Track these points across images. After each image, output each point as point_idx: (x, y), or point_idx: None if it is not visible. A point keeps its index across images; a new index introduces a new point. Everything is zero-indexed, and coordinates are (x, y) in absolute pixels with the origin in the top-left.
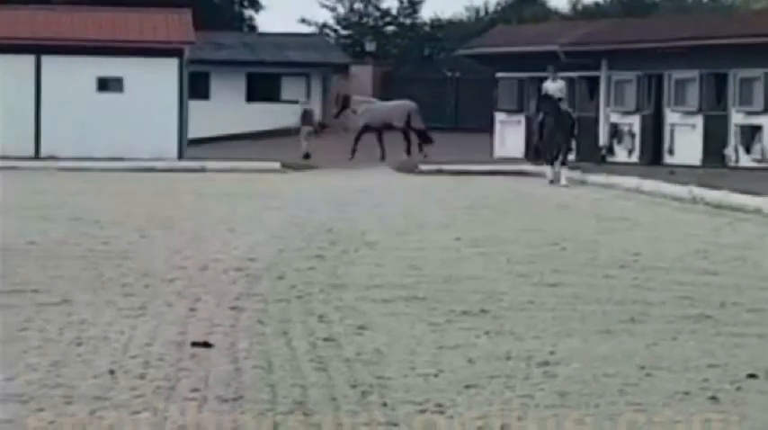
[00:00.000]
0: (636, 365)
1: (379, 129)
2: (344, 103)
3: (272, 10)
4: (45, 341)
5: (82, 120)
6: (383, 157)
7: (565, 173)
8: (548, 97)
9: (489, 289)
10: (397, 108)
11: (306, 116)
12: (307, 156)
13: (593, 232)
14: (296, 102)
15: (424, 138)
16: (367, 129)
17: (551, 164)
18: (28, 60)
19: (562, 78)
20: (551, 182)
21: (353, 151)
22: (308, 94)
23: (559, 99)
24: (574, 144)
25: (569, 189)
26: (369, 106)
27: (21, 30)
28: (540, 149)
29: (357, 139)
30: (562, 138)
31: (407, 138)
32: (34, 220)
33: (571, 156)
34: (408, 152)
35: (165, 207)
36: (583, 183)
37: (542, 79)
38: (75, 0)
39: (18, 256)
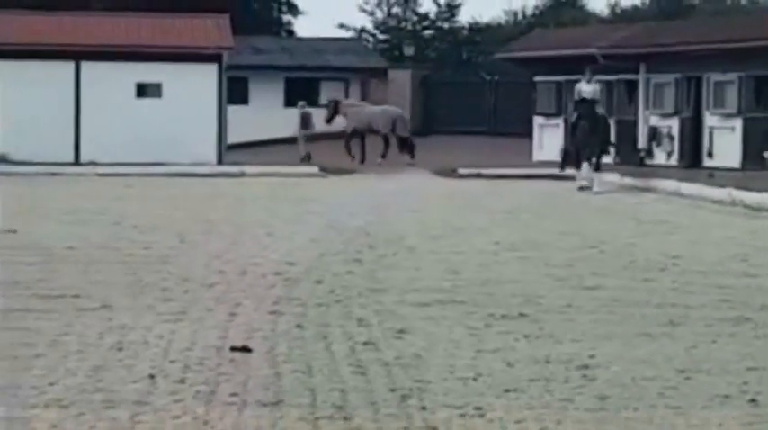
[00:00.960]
0: (675, 368)
1: (365, 134)
2: (335, 108)
3: (311, 15)
4: (85, 346)
5: (121, 126)
6: (363, 161)
7: (598, 179)
8: (584, 100)
9: (528, 292)
10: (384, 114)
11: (304, 120)
12: (307, 157)
13: (631, 235)
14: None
15: (406, 146)
16: (355, 132)
17: (586, 168)
18: (67, 66)
19: (600, 81)
20: (581, 188)
21: (351, 155)
22: (347, 99)
23: (594, 102)
24: (612, 150)
25: (603, 196)
26: (357, 110)
27: (60, 36)
28: (571, 153)
29: (348, 143)
30: (597, 143)
31: (387, 144)
32: (74, 226)
33: (609, 159)
34: (384, 156)
35: (204, 212)
36: (621, 186)
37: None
38: (114, 6)
39: (58, 261)
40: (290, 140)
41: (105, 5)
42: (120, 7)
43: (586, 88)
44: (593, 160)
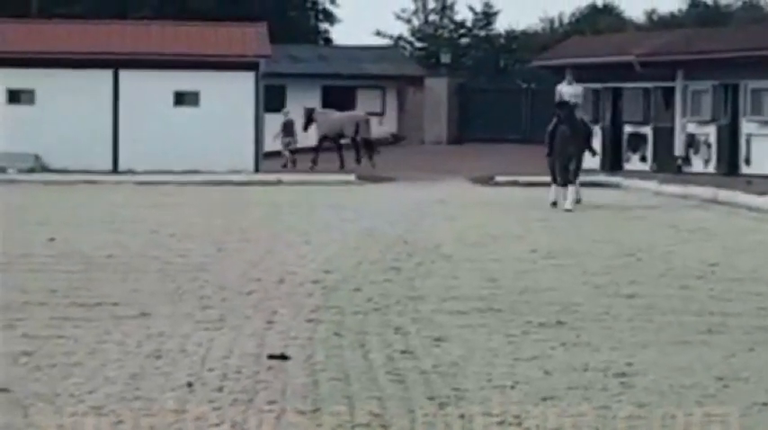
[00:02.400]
0: (713, 376)
1: (335, 139)
2: (309, 116)
3: (348, 23)
4: (124, 354)
5: (159, 134)
6: (342, 166)
7: (570, 195)
8: (564, 103)
9: (565, 300)
10: (349, 118)
11: (287, 127)
12: (292, 164)
13: (669, 243)
14: (374, 114)
15: (369, 148)
16: (326, 139)
17: (560, 181)
18: (106, 75)
19: (636, 89)
20: (554, 204)
21: (313, 162)
22: (384, 106)
23: (575, 105)
24: (595, 157)
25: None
26: (325, 117)
27: (99, 45)
28: (549, 163)
29: (317, 149)
30: (575, 151)
31: (357, 148)
32: (112, 234)
33: (646, 166)
34: (358, 161)
35: (241, 220)
36: (658, 193)
37: (617, 89)
38: (151, 15)
39: (97, 269)
40: (328, 148)
41: (143, 14)
42: (157, 16)
43: (567, 90)
44: (572, 169)
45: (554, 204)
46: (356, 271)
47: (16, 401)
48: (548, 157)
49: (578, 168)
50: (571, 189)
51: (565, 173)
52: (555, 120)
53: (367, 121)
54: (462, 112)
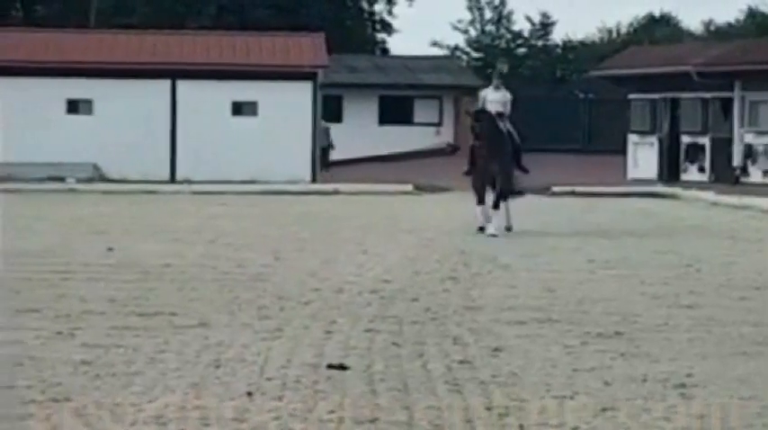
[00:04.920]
0: None
1: None
2: None
3: (404, 33)
4: (183, 363)
5: (216, 144)
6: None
7: (497, 218)
8: (482, 111)
9: (624, 311)
10: None
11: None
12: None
13: (727, 254)
14: (431, 124)
15: (324, 156)
16: None
17: (482, 201)
18: (163, 85)
19: (694, 99)
20: (481, 229)
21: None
22: (441, 117)
23: (499, 114)
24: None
25: (699, 214)
26: None
27: (157, 55)
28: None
29: None
30: (499, 169)
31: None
32: (170, 243)
33: (704, 177)
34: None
35: (298, 229)
36: (715, 204)
37: (675, 100)
38: (209, 25)
39: (155, 279)
40: (385, 158)
41: (200, 24)
42: (214, 26)
43: (493, 97)
44: (498, 190)
45: (481, 229)
46: (414, 281)
47: (76, 410)
48: (465, 175)
49: (507, 189)
50: (497, 212)
51: (488, 193)
52: (475, 133)
53: (327, 130)
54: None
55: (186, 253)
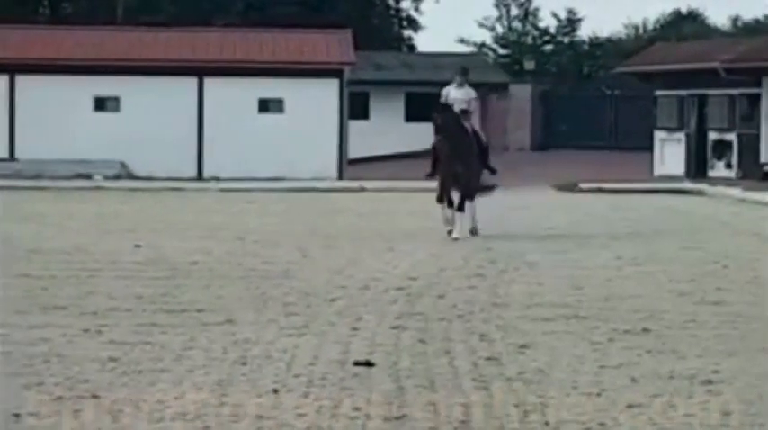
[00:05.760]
0: None
1: None
2: None
3: (431, 30)
4: (210, 360)
5: (243, 141)
6: None
7: (462, 221)
8: (445, 107)
9: (651, 307)
10: None
11: None
12: None
13: (755, 250)
14: None
15: None
16: None
17: (449, 203)
18: (191, 82)
19: (721, 95)
20: (449, 232)
21: None
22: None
23: (464, 112)
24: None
25: (728, 210)
26: None
27: (183, 52)
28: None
29: None
30: (463, 170)
31: None
32: (197, 240)
33: (732, 173)
34: None
35: (325, 226)
36: (742, 200)
37: (702, 96)
38: (236, 22)
39: (182, 276)
40: (411, 155)
41: (227, 21)
42: (241, 23)
43: (456, 94)
44: (462, 192)
45: (449, 233)
46: (440, 278)
47: (104, 407)
48: (427, 177)
49: (470, 190)
50: (462, 215)
51: (452, 195)
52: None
53: None
54: (546, 119)
55: (213, 250)
